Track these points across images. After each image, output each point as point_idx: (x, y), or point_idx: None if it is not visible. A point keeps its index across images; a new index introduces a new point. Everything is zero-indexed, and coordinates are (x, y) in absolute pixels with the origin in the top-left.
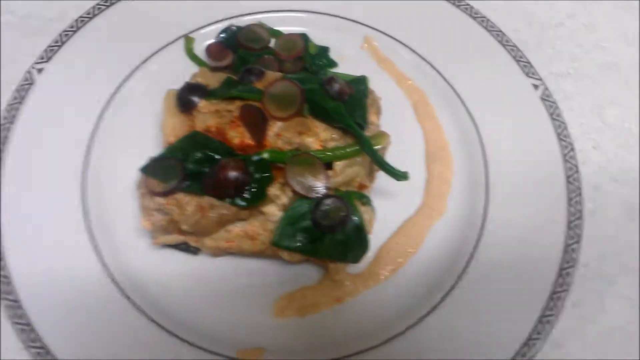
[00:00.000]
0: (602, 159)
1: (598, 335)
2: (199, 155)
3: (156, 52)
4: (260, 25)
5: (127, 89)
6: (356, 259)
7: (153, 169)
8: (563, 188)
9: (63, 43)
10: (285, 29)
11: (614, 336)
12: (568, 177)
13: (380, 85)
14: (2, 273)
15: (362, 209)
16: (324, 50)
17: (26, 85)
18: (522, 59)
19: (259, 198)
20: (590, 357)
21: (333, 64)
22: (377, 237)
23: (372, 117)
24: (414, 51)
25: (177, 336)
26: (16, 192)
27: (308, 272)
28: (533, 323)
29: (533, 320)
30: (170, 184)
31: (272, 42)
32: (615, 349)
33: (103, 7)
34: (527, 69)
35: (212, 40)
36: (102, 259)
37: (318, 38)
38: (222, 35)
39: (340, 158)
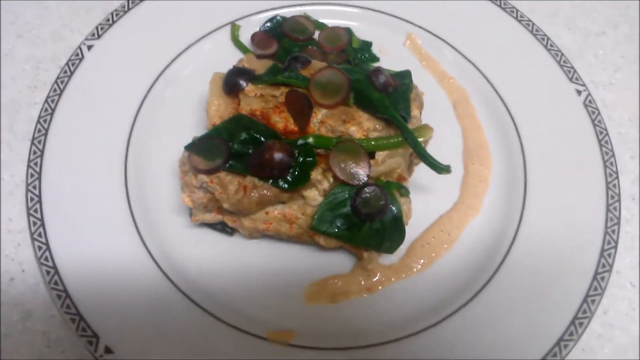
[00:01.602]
0: (638, 168)
1: (626, 344)
2: (244, 136)
3: (202, 37)
4: (306, 16)
5: (172, 71)
6: (391, 249)
7: (198, 147)
8: (603, 193)
9: (114, 22)
10: (329, 21)
11: None
12: (608, 182)
13: (420, 82)
14: (42, 240)
15: (401, 199)
16: (367, 44)
17: (75, 61)
18: (566, 64)
19: (302, 181)
20: None
21: (375, 58)
22: (411, 231)
23: (414, 111)
24: (457, 50)
25: (209, 313)
26: (58, 165)
27: (340, 261)
28: (566, 324)
29: (566, 321)
30: (215, 162)
31: (316, 35)
32: None
33: None
34: (571, 74)
35: (257, 29)
36: (140, 235)
37: (361, 32)
38: (267, 24)
39: (383, 148)
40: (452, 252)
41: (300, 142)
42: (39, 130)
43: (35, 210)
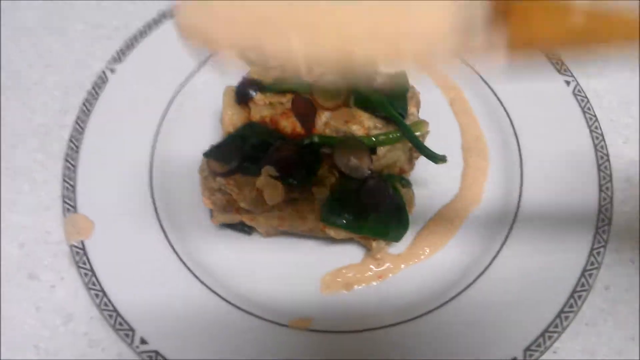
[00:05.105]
0: (633, 152)
1: (630, 315)
2: (255, 140)
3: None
4: None
5: (189, 86)
6: (397, 238)
7: (215, 153)
8: (595, 175)
9: (133, 46)
10: None
11: None
12: (599, 165)
13: (418, 84)
14: (79, 246)
15: (403, 190)
16: None
17: (101, 84)
18: (553, 57)
19: (309, 177)
20: (621, 336)
21: None
22: (416, 221)
23: (412, 109)
24: None
25: (232, 304)
26: (90, 178)
27: (352, 252)
28: (565, 298)
29: (565, 296)
30: (231, 165)
31: None
32: None
33: (168, 16)
34: (559, 66)
35: None
36: (167, 237)
37: None
38: None
39: (383, 143)
40: (455, 239)
41: (306, 142)
42: (71, 148)
43: None
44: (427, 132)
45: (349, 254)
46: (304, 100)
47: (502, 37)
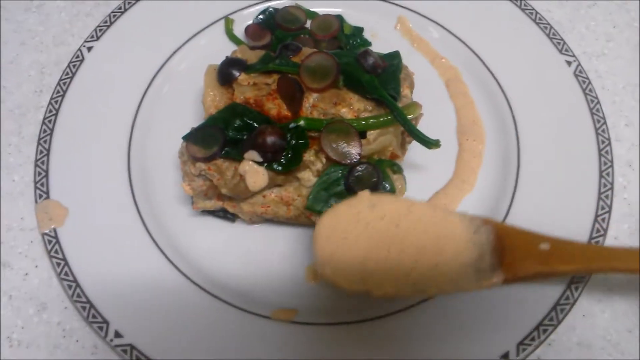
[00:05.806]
0: (635, 136)
1: (626, 307)
2: (238, 123)
3: (197, 33)
4: (297, 6)
5: (170, 67)
6: None
7: (195, 136)
8: (595, 160)
9: (112, 23)
10: (320, 10)
11: None
12: (600, 149)
13: (413, 64)
14: (51, 234)
15: (394, 176)
16: (358, 30)
17: (76, 62)
18: (555, 37)
19: (295, 163)
20: (618, 328)
21: (367, 43)
22: None
23: (405, 91)
24: (447, 30)
25: (213, 295)
26: (64, 162)
27: None
28: (562, 289)
29: (561, 288)
30: (212, 150)
31: (308, 23)
32: None
33: None
34: (560, 46)
35: (250, 22)
36: (144, 224)
37: (352, 19)
38: (260, 16)
39: (373, 127)
40: None
41: (291, 125)
42: (44, 131)
43: None
44: (421, 115)
45: None
46: (291, 81)
47: (500, 276)
